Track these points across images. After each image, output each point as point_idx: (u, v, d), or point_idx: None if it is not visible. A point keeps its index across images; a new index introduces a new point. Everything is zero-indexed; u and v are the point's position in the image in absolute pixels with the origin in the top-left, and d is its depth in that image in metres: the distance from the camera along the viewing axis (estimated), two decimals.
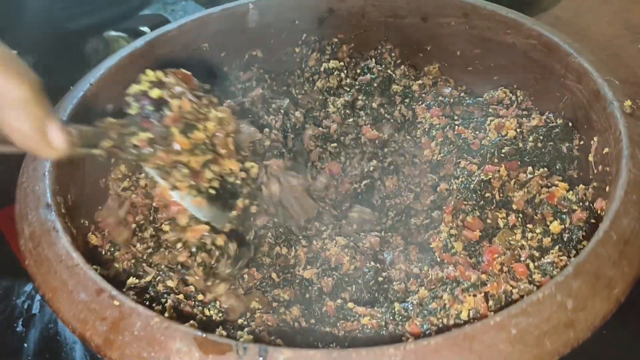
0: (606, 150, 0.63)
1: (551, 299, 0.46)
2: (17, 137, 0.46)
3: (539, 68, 0.77)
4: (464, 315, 0.53)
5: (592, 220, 0.62)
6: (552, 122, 0.71)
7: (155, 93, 0.57)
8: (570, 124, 0.70)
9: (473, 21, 0.83)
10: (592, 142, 0.67)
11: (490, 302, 0.55)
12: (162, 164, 0.57)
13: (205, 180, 0.61)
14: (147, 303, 0.59)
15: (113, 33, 1.35)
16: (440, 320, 0.53)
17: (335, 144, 0.82)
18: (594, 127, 0.67)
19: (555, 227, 0.62)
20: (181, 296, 0.59)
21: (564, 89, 0.73)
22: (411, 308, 0.55)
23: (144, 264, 0.64)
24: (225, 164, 0.62)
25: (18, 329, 0.83)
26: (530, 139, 0.69)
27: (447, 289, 0.55)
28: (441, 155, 0.77)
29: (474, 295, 0.54)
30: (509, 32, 0.80)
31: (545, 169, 0.68)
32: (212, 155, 0.61)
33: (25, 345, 0.82)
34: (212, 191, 0.62)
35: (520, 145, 0.69)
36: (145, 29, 1.34)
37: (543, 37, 0.75)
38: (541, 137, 0.69)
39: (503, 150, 0.69)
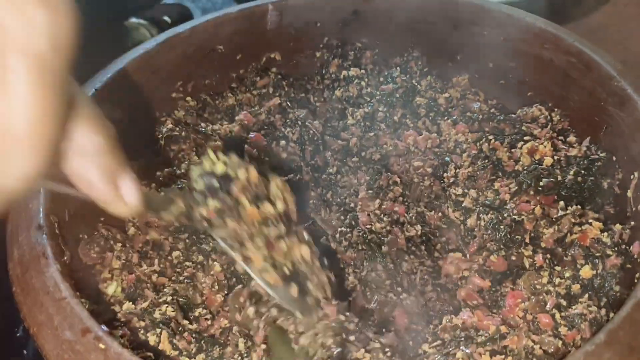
0: None
1: None
2: (84, 186, 0.40)
3: (577, 88, 0.71)
4: None
5: (628, 266, 0.57)
6: (594, 154, 0.65)
7: (220, 168, 0.53)
8: (613, 158, 0.64)
9: (508, 32, 0.77)
10: (632, 177, 0.62)
11: (509, 359, 0.50)
12: (234, 235, 0.53)
13: (281, 255, 0.56)
14: (142, 331, 0.56)
15: (134, 20, 1.31)
16: None
17: (356, 158, 0.77)
18: (635, 161, 0.61)
19: (586, 271, 0.57)
20: (177, 325, 0.56)
21: (604, 114, 0.67)
22: None
23: (146, 286, 0.60)
24: (295, 248, 0.57)
25: (18, 334, 0.81)
26: (571, 172, 0.63)
27: (461, 346, 0.51)
28: (471, 169, 0.71)
29: (492, 356, 0.49)
30: (547, 47, 0.73)
31: (579, 206, 0.62)
32: (286, 227, 0.56)
33: (25, 351, 0.80)
34: (287, 271, 0.56)
35: (560, 178, 0.63)
36: (166, 18, 1.30)
37: (584, 55, 0.69)
38: (583, 171, 0.63)
39: (541, 183, 0.63)
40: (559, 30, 0.73)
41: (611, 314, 0.54)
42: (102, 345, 0.44)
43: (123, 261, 0.63)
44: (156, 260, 0.63)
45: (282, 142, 0.75)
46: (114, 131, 0.41)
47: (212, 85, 0.83)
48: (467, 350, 0.50)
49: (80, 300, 0.48)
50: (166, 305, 0.57)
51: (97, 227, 0.67)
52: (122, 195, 0.41)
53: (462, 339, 0.51)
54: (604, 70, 0.66)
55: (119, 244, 0.65)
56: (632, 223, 0.60)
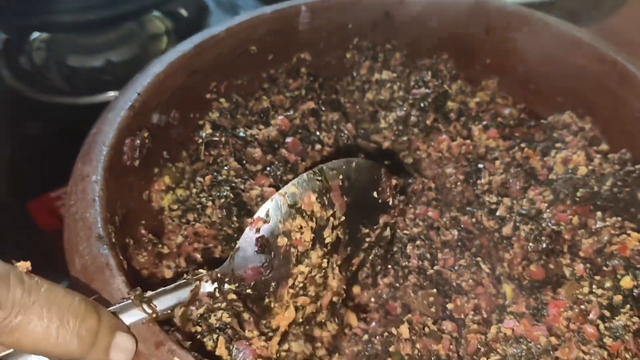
0: None
1: None
2: None
3: (610, 97, 0.73)
4: None
5: None
6: (630, 165, 0.67)
7: None
8: None
9: (542, 39, 0.78)
10: None
11: None
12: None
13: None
14: (198, 336, 0.57)
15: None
16: None
17: (388, 162, 0.78)
18: None
19: (626, 282, 0.59)
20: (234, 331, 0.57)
21: (639, 124, 0.69)
22: None
23: None
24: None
25: None
26: (608, 183, 0.65)
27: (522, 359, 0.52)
28: (504, 177, 0.72)
29: None
30: (581, 55, 0.75)
31: (619, 217, 0.64)
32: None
33: None
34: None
35: (596, 188, 0.65)
36: (182, 11, 1.29)
37: (618, 64, 0.71)
38: (619, 182, 0.65)
39: (578, 193, 0.65)
40: (593, 38, 0.74)
41: None
42: (177, 359, 0.45)
43: (174, 269, 0.63)
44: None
45: (318, 146, 0.76)
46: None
47: (243, 85, 0.83)
48: None
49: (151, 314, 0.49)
50: (222, 311, 0.58)
51: (139, 231, 0.68)
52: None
53: (523, 354, 0.53)
54: (639, 80, 0.68)
55: (166, 248, 0.66)
56: None
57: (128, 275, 0.55)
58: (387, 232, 0.66)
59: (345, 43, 0.87)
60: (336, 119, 0.78)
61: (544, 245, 0.63)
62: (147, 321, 0.48)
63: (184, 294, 0.53)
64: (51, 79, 1.12)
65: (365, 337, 0.66)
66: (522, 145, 0.74)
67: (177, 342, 0.47)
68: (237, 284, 0.55)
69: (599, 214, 0.65)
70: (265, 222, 0.54)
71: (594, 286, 0.60)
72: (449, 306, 0.64)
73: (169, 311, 0.51)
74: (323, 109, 0.81)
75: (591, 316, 0.57)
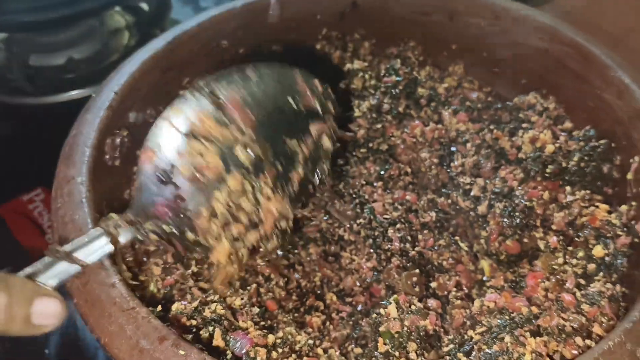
0: None
1: (622, 347, 0.46)
2: None
3: (573, 77, 0.76)
4: (527, 359, 0.53)
5: (636, 240, 0.63)
6: (594, 140, 0.70)
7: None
8: (612, 144, 0.69)
9: (505, 24, 0.81)
10: (631, 160, 0.67)
11: (545, 338, 0.55)
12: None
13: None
14: (194, 330, 0.58)
15: None
16: None
17: (364, 149, 0.80)
18: (635, 147, 0.67)
19: (598, 251, 0.62)
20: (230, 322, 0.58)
21: (601, 101, 0.72)
22: (474, 354, 0.55)
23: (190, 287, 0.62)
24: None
25: (47, 352, 0.81)
26: (575, 158, 0.69)
27: (507, 329, 0.55)
28: (476, 158, 0.75)
29: (532, 336, 0.54)
30: (543, 38, 0.78)
31: (588, 190, 0.67)
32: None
33: (47, 351, 0.80)
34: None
35: (564, 164, 0.68)
36: (143, 5, 1.27)
37: (580, 46, 0.74)
38: (586, 158, 0.68)
39: (547, 170, 0.68)
40: (554, 21, 0.77)
41: (625, 290, 0.60)
42: (182, 352, 0.46)
43: (162, 266, 0.64)
44: (193, 263, 0.65)
45: None
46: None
47: None
48: (515, 333, 0.54)
49: (149, 309, 0.49)
50: (215, 303, 0.59)
51: None
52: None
53: (507, 323, 0.56)
54: (601, 61, 0.71)
55: (152, 245, 0.66)
56: (634, 203, 0.66)
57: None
58: (326, 141, 0.60)
59: (315, 34, 0.88)
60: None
61: (518, 220, 0.67)
62: (147, 316, 0.49)
63: (104, 242, 0.50)
64: (13, 79, 1.09)
65: (353, 320, 0.68)
66: (491, 127, 0.77)
67: (180, 336, 0.48)
68: (152, 223, 0.52)
69: (568, 188, 0.68)
70: (156, 152, 0.51)
71: (567, 257, 0.64)
72: (432, 285, 0.67)
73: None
74: None
75: (568, 285, 0.60)
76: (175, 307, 0.59)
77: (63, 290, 0.49)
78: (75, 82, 1.14)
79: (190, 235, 0.53)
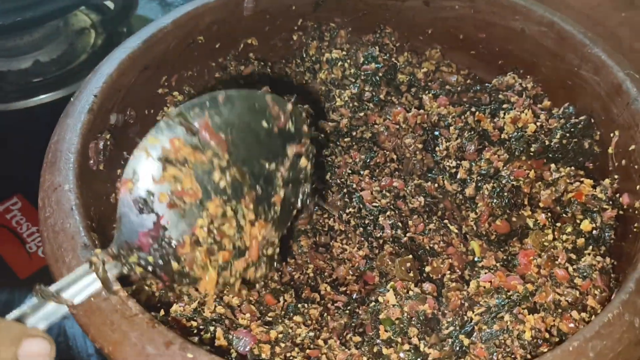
0: (632, 147, 0.64)
1: (620, 318, 0.48)
2: None
3: (549, 55, 0.77)
4: (527, 336, 0.54)
5: (621, 212, 0.65)
6: (573, 117, 0.72)
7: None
8: (592, 120, 0.71)
9: (479, 5, 0.81)
10: (612, 135, 0.69)
11: (542, 314, 0.56)
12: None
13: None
14: (195, 331, 0.57)
15: None
16: (504, 343, 0.54)
17: (347, 138, 0.80)
18: (615, 121, 0.68)
19: (586, 225, 0.64)
20: (231, 321, 0.58)
21: (578, 78, 0.74)
22: (475, 334, 0.56)
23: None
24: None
25: None
26: (557, 136, 0.70)
27: (505, 308, 0.56)
28: (459, 141, 0.76)
29: (530, 313, 0.55)
30: (518, 18, 0.79)
31: (571, 167, 0.69)
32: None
33: None
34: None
35: (547, 142, 0.70)
36: (109, 3, 1.25)
37: (556, 25, 0.75)
38: (567, 134, 0.69)
39: (532, 149, 0.69)
40: (529, 2, 0.78)
41: (614, 261, 0.61)
42: (190, 355, 0.46)
43: None
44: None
45: None
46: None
47: (194, 77, 0.83)
48: (514, 311, 0.55)
49: (152, 314, 0.49)
50: (214, 303, 0.59)
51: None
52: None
53: (505, 302, 0.57)
54: (577, 38, 0.73)
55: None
56: (616, 176, 0.67)
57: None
58: (305, 163, 0.59)
59: (290, 25, 0.87)
60: (293, 101, 0.79)
61: (506, 200, 0.68)
62: (151, 321, 0.48)
63: (92, 279, 0.49)
64: None
65: (349, 309, 0.69)
66: (472, 109, 0.78)
67: (186, 339, 0.47)
68: (136, 255, 0.51)
69: (552, 165, 0.70)
70: (133, 182, 0.50)
71: (556, 233, 0.65)
72: (427, 269, 0.68)
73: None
74: (277, 90, 0.81)
75: (559, 260, 0.61)
76: (174, 309, 0.58)
77: None
78: (43, 86, 1.11)
79: (175, 265, 0.53)
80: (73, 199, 0.56)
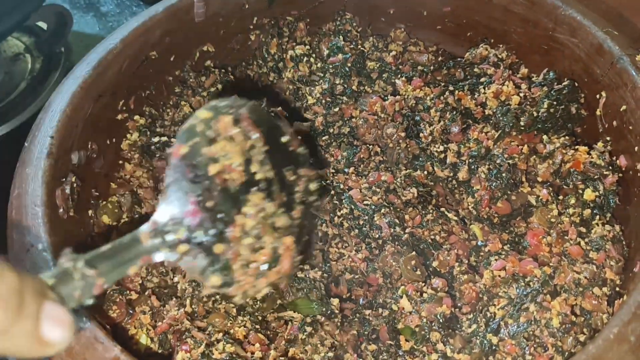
0: (624, 107, 0.63)
1: None
2: None
3: (520, 21, 0.75)
4: (555, 323, 0.52)
5: (621, 175, 0.63)
6: (556, 83, 0.69)
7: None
8: (576, 84, 0.69)
9: None
10: (598, 96, 0.67)
11: (564, 295, 0.54)
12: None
13: None
14: None
15: None
16: (533, 334, 0.52)
17: (325, 137, 0.76)
18: (599, 82, 0.66)
19: (589, 194, 0.62)
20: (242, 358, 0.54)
21: (554, 42, 0.71)
22: (502, 330, 0.53)
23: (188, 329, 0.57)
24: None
25: None
26: (545, 105, 0.67)
27: (529, 298, 0.54)
28: (442, 123, 0.73)
29: (553, 298, 0.53)
30: None
31: (564, 135, 0.67)
32: None
33: None
34: None
35: (535, 113, 0.67)
36: (41, 23, 1.16)
37: None
38: (555, 102, 0.67)
39: (521, 122, 0.67)
40: None
41: (622, 227, 0.60)
42: None
43: (149, 312, 0.59)
44: (187, 301, 0.60)
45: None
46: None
47: (152, 95, 0.77)
48: (538, 300, 0.53)
49: None
50: (221, 342, 0.55)
51: None
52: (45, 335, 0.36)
53: (527, 292, 0.54)
54: (549, 1, 0.70)
55: (134, 293, 0.60)
56: (608, 138, 0.66)
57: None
58: (315, 187, 0.57)
59: (246, 24, 0.82)
60: (264, 106, 0.74)
61: (505, 181, 0.65)
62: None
63: (129, 256, 0.42)
64: None
65: (358, 316, 0.65)
66: (451, 88, 0.75)
67: None
68: (184, 229, 0.44)
69: (544, 137, 0.67)
70: (188, 146, 0.46)
71: (560, 207, 0.63)
72: (434, 264, 0.65)
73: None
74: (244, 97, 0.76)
75: (570, 236, 0.60)
76: (180, 357, 0.54)
77: None
78: None
79: (220, 248, 0.46)
80: (50, 259, 0.51)
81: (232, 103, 0.49)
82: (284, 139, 0.52)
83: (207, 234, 0.45)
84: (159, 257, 0.43)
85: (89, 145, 0.67)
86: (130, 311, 0.59)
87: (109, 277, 0.40)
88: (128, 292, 0.61)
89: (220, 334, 0.56)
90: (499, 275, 0.58)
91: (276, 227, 0.49)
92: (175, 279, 0.64)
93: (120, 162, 0.72)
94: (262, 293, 0.50)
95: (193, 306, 0.59)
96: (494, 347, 0.53)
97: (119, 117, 0.72)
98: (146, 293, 0.62)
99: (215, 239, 0.45)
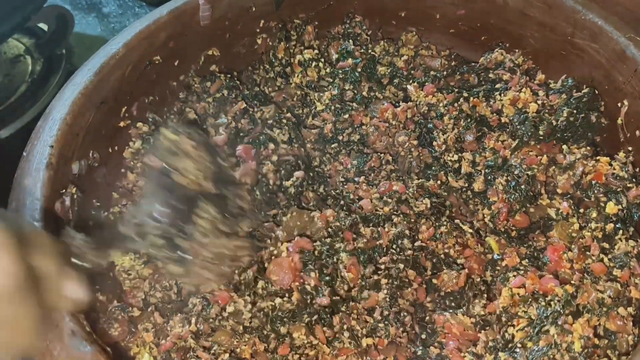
0: None
1: None
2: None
3: (537, 26, 0.72)
4: (577, 348, 0.49)
5: None
6: (575, 90, 0.67)
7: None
8: (596, 91, 0.66)
9: None
10: (619, 104, 0.64)
11: (587, 316, 0.52)
12: None
13: None
14: None
15: None
16: (553, 358, 0.49)
17: (335, 144, 0.74)
18: (621, 90, 0.64)
19: (611, 208, 0.60)
20: None
21: (573, 47, 0.69)
22: (519, 352, 0.51)
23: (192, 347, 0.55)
24: None
25: None
26: (564, 113, 0.65)
27: (550, 320, 0.51)
28: (456, 131, 0.70)
29: (575, 319, 0.50)
30: None
31: (584, 145, 0.64)
32: None
33: None
34: None
35: (554, 122, 0.64)
36: (42, 25, 1.13)
37: None
38: (575, 110, 0.64)
39: (540, 132, 0.64)
40: None
41: None
42: None
43: (152, 330, 0.56)
44: (193, 320, 0.57)
45: (272, 146, 0.70)
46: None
47: (156, 101, 0.74)
48: (559, 322, 0.51)
49: None
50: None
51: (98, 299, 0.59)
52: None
53: (548, 313, 0.52)
54: (567, 5, 0.67)
55: (136, 310, 0.58)
56: (630, 148, 0.63)
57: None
58: (243, 203, 0.64)
59: (253, 28, 0.79)
60: (271, 113, 0.72)
61: (525, 193, 0.63)
62: None
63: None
64: None
65: None
66: (465, 94, 0.72)
67: None
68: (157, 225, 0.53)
69: (564, 147, 0.65)
70: (157, 156, 0.55)
71: (581, 221, 0.60)
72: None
73: None
74: (250, 104, 0.74)
75: (592, 252, 0.57)
76: None
77: None
78: None
79: (181, 242, 0.54)
80: None
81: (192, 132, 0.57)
82: (220, 161, 0.60)
83: (174, 227, 0.53)
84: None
85: (90, 154, 0.64)
86: (133, 329, 0.57)
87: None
88: (130, 308, 0.58)
89: (227, 355, 0.54)
90: (518, 294, 0.56)
91: (220, 230, 0.56)
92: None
93: (123, 170, 0.70)
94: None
95: (198, 325, 0.56)
96: None
97: (122, 124, 0.70)
98: (149, 309, 0.59)
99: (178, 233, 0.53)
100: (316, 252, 0.61)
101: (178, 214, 0.54)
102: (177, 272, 0.54)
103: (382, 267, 0.61)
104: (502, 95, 0.70)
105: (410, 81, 0.77)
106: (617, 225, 0.59)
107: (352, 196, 0.70)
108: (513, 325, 0.53)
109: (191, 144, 0.56)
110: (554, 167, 0.64)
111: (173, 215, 0.53)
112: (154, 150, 0.55)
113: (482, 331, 0.55)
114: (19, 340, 0.37)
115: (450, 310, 0.58)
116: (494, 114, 0.70)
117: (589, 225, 0.59)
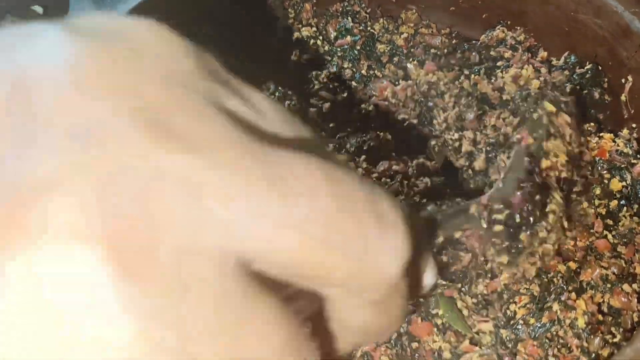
0: None
1: None
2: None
3: (539, 2, 0.71)
4: (580, 324, 0.48)
5: None
6: (578, 66, 0.66)
7: None
8: (599, 67, 0.65)
9: None
10: (623, 80, 0.63)
11: (590, 292, 0.51)
12: None
13: None
14: None
15: None
16: (556, 335, 0.48)
17: (332, 124, 0.72)
18: (625, 65, 0.63)
19: (615, 184, 0.59)
20: None
21: (576, 23, 0.67)
22: (521, 328, 0.50)
23: None
24: None
25: None
26: (567, 90, 0.63)
27: (552, 296, 0.50)
28: (457, 109, 0.69)
29: (578, 295, 0.49)
30: None
31: (592, 123, 0.63)
32: None
33: None
34: None
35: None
36: (36, 7, 1.12)
37: None
38: (577, 87, 0.63)
39: None
40: None
41: None
42: None
43: None
44: None
45: None
46: None
47: None
48: (562, 298, 0.50)
49: None
50: None
51: None
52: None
53: (551, 289, 0.51)
54: None
55: None
56: (634, 125, 0.62)
57: None
58: None
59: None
60: (272, 90, 0.71)
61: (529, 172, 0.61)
62: None
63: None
64: None
65: None
66: (466, 72, 0.71)
67: None
68: (506, 213, 0.47)
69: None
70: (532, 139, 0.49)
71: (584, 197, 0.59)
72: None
73: None
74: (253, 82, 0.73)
75: (596, 228, 0.56)
76: None
77: None
78: None
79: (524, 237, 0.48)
80: None
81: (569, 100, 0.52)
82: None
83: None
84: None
85: None
86: None
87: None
88: None
89: None
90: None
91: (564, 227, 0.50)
92: None
93: None
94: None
95: None
96: (513, 350, 0.49)
97: None
98: None
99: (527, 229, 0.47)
100: None
101: (531, 204, 0.48)
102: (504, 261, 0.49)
103: None
104: (504, 72, 0.69)
105: (410, 59, 0.76)
106: (621, 202, 0.58)
107: None
108: (515, 303, 0.53)
109: (567, 120, 0.50)
110: None
111: (527, 205, 0.47)
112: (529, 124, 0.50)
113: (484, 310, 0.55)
114: (392, 329, 0.26)
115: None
116: (495, 92, 0.68)
117: (593, 202, 0.58)
